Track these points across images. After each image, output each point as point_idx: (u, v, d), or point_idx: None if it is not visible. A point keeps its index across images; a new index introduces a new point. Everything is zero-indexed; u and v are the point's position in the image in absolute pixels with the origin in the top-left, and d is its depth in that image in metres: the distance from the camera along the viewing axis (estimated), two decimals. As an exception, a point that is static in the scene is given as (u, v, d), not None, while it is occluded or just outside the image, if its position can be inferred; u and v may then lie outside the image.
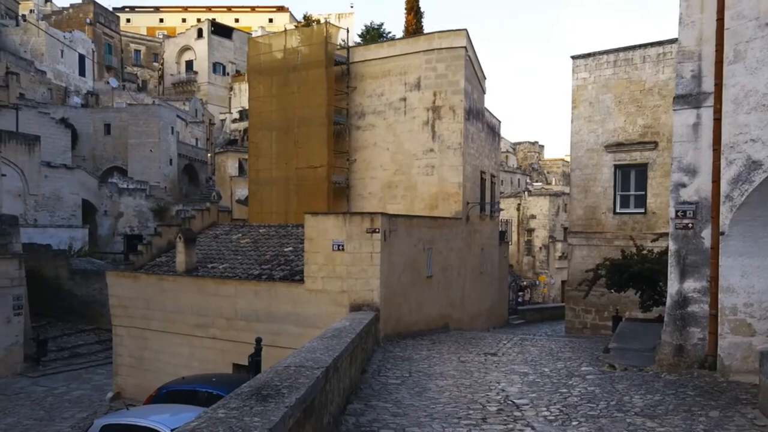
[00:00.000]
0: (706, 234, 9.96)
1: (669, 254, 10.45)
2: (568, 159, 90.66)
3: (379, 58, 21.37)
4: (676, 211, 10.28)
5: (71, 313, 25.35)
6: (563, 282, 48.13)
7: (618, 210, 22.78)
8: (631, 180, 22.57)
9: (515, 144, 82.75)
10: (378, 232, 13.41)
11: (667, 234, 18.52)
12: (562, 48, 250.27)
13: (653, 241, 18.13)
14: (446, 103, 20.16)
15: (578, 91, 23.45)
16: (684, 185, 10.24)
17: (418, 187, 20.67)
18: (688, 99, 10.25)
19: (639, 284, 17.15)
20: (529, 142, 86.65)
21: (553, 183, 76.67)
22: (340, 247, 13.61)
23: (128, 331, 17.41)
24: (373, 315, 12.82)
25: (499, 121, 25.91)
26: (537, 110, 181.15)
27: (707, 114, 9.99)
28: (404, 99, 20.92)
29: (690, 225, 10.15)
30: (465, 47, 19.92)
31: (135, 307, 17.17)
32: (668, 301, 10.40)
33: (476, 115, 21.69)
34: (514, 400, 8.51)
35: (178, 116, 51.25)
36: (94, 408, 17.32)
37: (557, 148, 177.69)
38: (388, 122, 21.27)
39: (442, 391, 9.09)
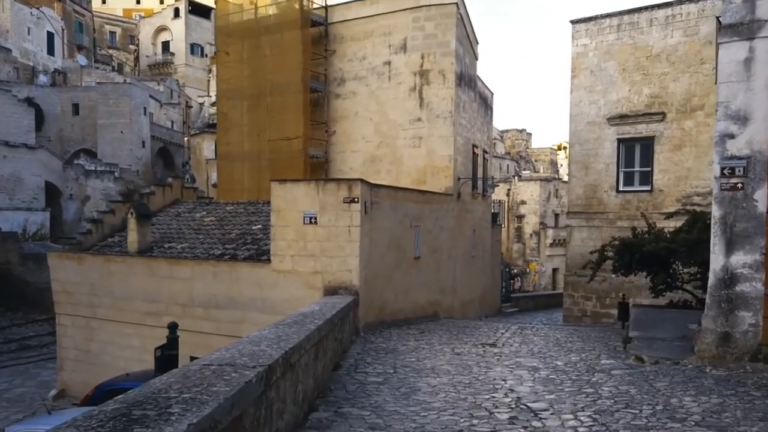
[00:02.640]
0: (761, 195, 8.05)
1: (712, 222, 8.54)
2: (556, 148, 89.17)
3: (361, 18, 19.20)
4: (722, 169, 8.34)
5: (22, 302, 23.04)
6: (554, 270, 46.49)
7: (621, 188, 20.89)
8: (636, 155, 20.70)
9: (503, 131, 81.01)
10: (357, 201, 11.36)
11: (678, 212, 16.86)
12: (554, 31, 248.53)
13: (668, 218, 16.29)
14: (435, 67, 18.09)
15: (578, 58, 21.47)
16: (732, 136, 8.30)
17: (404, 161, 18.62)
18: (737, 29, 8.28)
19: (651, 266, 15.32)
20: (517, 130, 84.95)
21: (541, 171, 75.28)
22: (313, 220, 11.56)
23: (73, 321, 15.27)
24: (351, 299, 10.82)
25: (492, 93, 23.90)
26: (525, 99, 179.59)
27: (763, 46, 8.05)
28: (388, 63, 18.82)
29: (739, 185, 8.22)
30: (456, 4, 17.85)
31: (80, 292, 15.03)
32: (711, 279, 8.49)
33: (468, 81, 19.66)
34: (529, 404, 6.55)
35: (151, 97, 48.72)
36: (34, 408, 15.16)
37: (545, 137, 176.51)
38: (371, 89, 19.17)
39: (436, 392, 7.11)
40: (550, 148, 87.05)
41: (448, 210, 17.60)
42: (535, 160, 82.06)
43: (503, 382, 7.73)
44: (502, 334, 12.85)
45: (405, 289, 14.38)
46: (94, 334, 14.93)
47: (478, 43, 20.98)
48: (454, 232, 18.21)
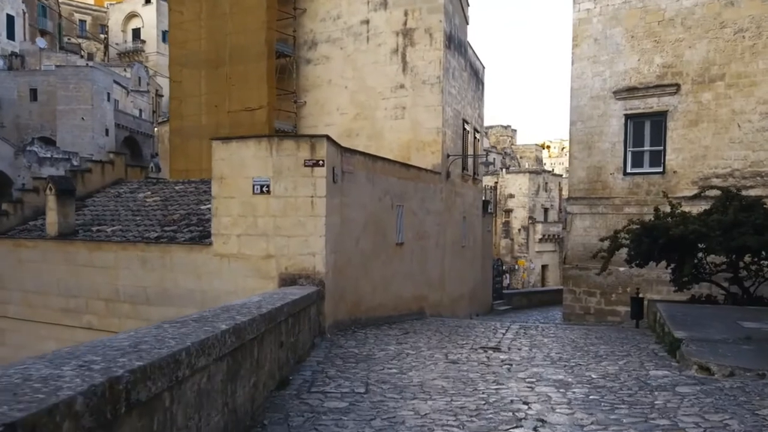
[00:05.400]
0: None
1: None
2: (540, 145, 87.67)
3: (336, -30, 16.66)
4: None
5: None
6: (544, 267, 44.31)
7: (629, 170, 18.52)
8: (646, 133, 18.35)
9: (487, 127, 79.01)
10: (322, 165, 8.80)
11: (701, 194, 14.60)
12: (544, 15, 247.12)
13: (691, 198, 14.01)
14: (421, 25, 15.62)
15: (580, 25, 19.08)
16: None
17: (384, 135, 16.12)
18: None
19: (672, 254, 13.05)
20: (502, 126, 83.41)
21: (527, 167, 73.55)
22: (265, 189, 8.98)
23: (-21, 321, 12.50)
24: (313, 290, 8.27)
25: (483, 67, 21.46)
26: (510, 95, 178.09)
27: None
28: (367, 21, 16.30)
29: None
30: (445, -49, 15.39)
31: (-13, 286, 12.28)
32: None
33: (458, 46, 17.20)
34: (579, 450, 4.05)
35: (116, 83, 45.64)
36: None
37: (530, 135, 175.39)
38: (347, 52, 16.63)
39: (428, 428, 4.58)
40: (536, 145, 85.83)
41: (436, 190, 15.12)
42: (520, 157, 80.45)
43: (526, 407, 5.24)
44: (503, 335, 10.43)
45: (385, 281, 11.86)
46: (5, 337, 12.19)
47: (468, 5, 18.52)
48: (442, 217, 15.74)
